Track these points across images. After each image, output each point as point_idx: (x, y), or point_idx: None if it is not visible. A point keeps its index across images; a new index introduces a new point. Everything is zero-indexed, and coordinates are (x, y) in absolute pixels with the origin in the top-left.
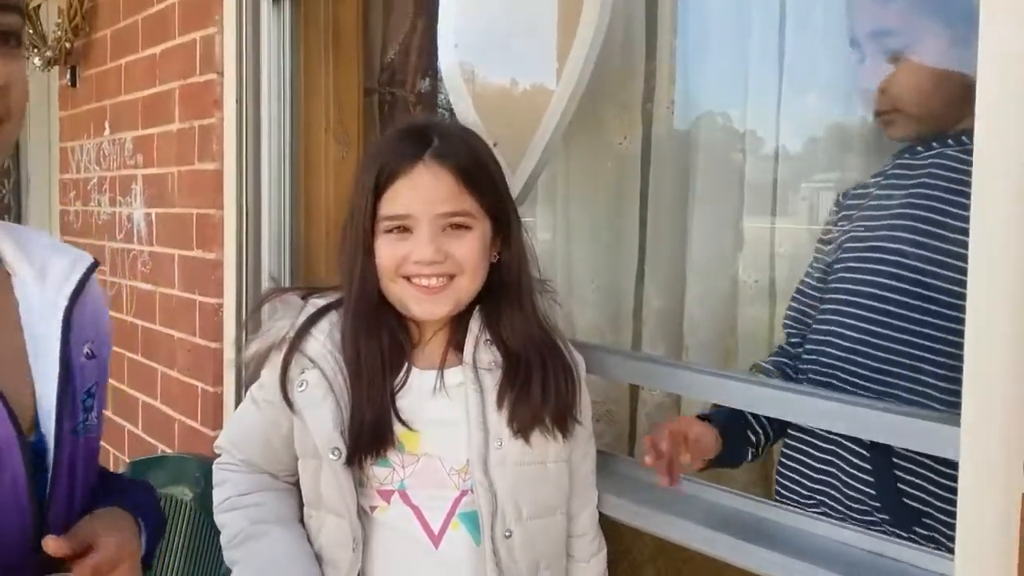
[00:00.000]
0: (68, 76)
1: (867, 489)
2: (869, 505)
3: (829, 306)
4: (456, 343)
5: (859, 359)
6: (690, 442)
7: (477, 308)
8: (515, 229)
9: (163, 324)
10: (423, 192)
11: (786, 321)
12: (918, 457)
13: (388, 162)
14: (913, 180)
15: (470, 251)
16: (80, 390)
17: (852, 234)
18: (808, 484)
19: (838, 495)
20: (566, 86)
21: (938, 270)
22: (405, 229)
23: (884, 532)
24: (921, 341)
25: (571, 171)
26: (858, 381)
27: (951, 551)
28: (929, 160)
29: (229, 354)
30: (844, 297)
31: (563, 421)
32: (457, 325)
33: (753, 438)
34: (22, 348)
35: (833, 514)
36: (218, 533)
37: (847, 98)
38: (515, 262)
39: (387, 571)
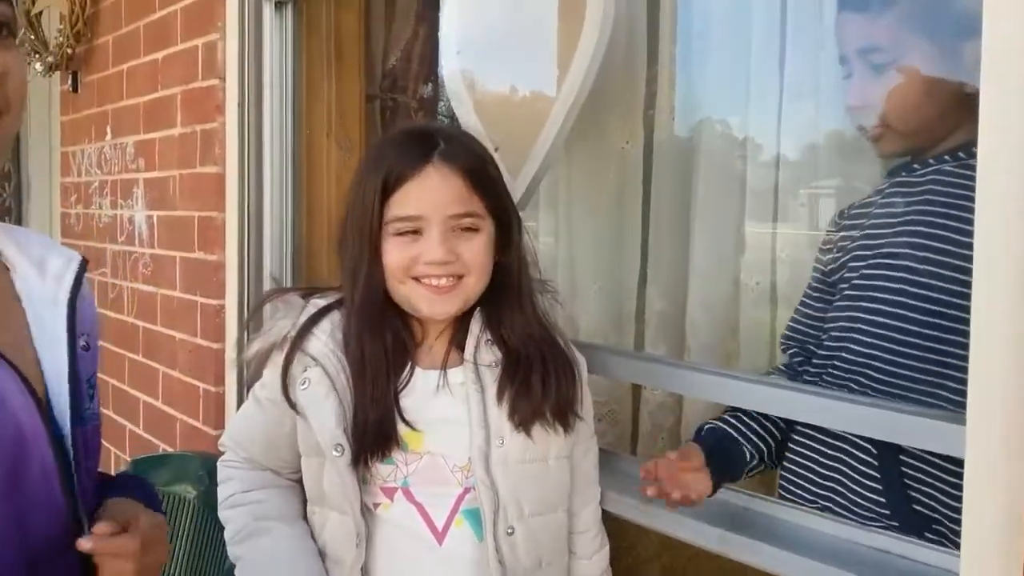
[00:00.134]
0: (70, 81)
1: (875, 496)
2: (877, 512)
3: (842, 314)
4: (458, 343)
5: (874, 369)
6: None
7: (478, 308)
8: (516, 231)
9: (164, 325)
10: (433, 194)
11: (787, 341)
12: (926, 458)
13: (396, 164)
14: (914, 197)
15: (478, 252)
16: (83, 379)
17: (856, 252)
18: (814, 489)
19: (845, 501)
20: (568, 92)
21: (946, 284)
22: (415, 231)
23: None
24: (933, 351)
25: (574, 175)
26: (876, 386)
27: (958, 547)
28: (928, 176)
29: (231, 354)
30: (853, 309)
31: (564, 416)
32: (459, 325)
33: (749, 453)
34: (30, 341)
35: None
36: (221, 530)
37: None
38: (516, 263)
39: (391, 568)
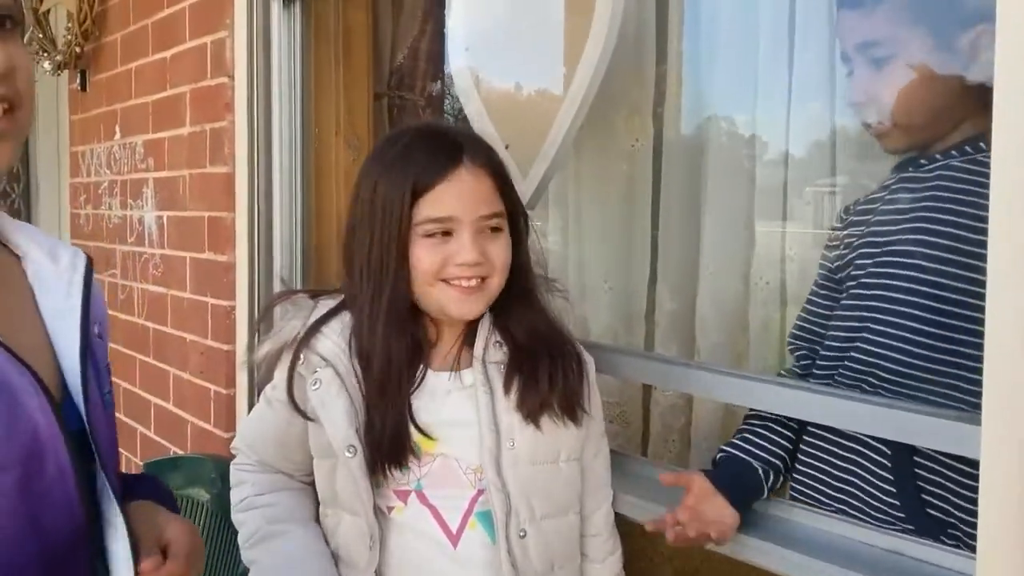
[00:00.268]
0: (78, 80)
1: (889, 498)
2: (891, 514)
3: (850, 313)
4: (468, 343)
5: (884, 369)
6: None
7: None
8: (524, 229)
9: (174, 327)
10: (466, 195)
11: (795, 342)
12: (940, 459)
13: (427, 166)
14: (922, 192)
15: (503, 252)
16: (101, 366)
17: (863, 249)
18: (827, 491)
19: (858, 503)
20: (578, 89)
21: (956, 282)
22: (445, 232)
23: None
24: (945, 350)
25: (583, 174)
26: (887, 386)
27: (973, 550)
28: (936, 172)
29: (242, 356)
30: (862, 307)
31: (572, 409)
32: (469, 325)
33: (765, 471)
34: (42, 330)
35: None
36: (235, 533)
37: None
38: (524, 262)
39: (405, 571)
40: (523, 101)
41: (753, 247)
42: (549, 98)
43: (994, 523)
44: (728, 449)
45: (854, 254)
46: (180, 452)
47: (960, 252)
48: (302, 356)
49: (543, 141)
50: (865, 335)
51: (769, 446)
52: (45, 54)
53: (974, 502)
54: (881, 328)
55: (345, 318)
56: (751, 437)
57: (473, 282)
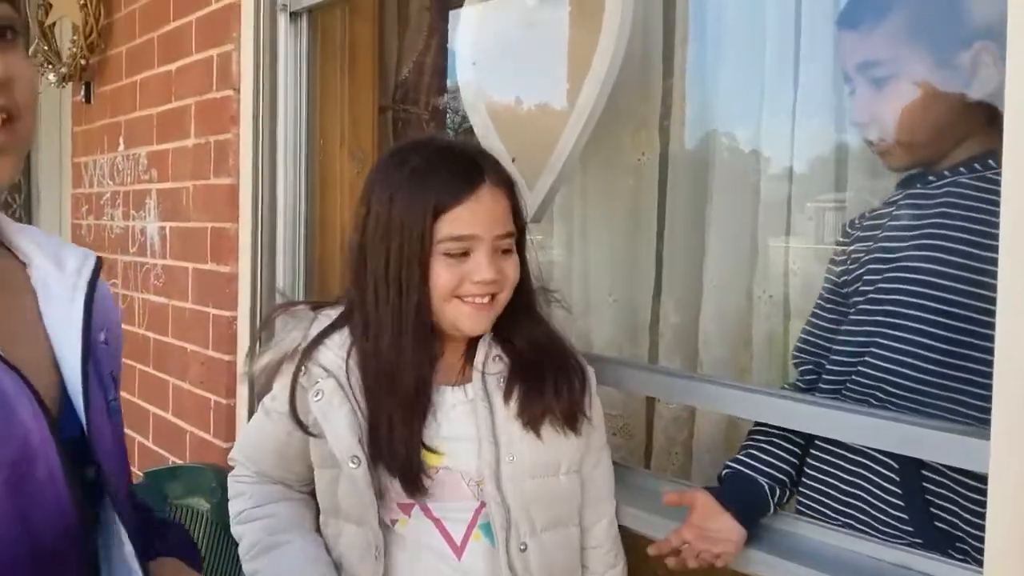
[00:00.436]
0: (82, 92)
1: (897, 512)
2: (899, 528)
3: (858, 328)
4: (468, 357)
5: (892, 384)
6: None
7: None
8: (523, 244)
9: (175, 337)
10: (486, 214)
11: (800, 355)
12: (948, 473)
13: (449, 184)
14: (931, 209)
15: (514, 270)
16: (105, 371)
17: (871, 265)
18: (834, 505)
19: (866, 516)
20: (585, 104)
21: (965, 299)
22: (464, 252)
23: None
24: (953, 366)
25: (589, 187)
26: (894, 401)
27: (981, 564)
28: (944, 189)
29: (243, 366)
30: (871, 323)
31: (572, 418)
32: (471, 340)
33: (770, 488)
34: (44, 337)
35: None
36: (235, 544)
37: None
38: (525, 276)
39: None
40: (530, 115)
41: (757, 261)
42: (556, 112)
43: (1002, 537)
44: (734, 465)
45: (862, 269)
46: (179, 462)
47: (969, 268)
48: (304, 368)
49: (550, 154)
50: (873, 350)
51: (775, 461)
52: (50, 66)
53: (982, 516)
54: (890, 343)
55: (345, 330)
56: (756, 452)
57: (486, 299)
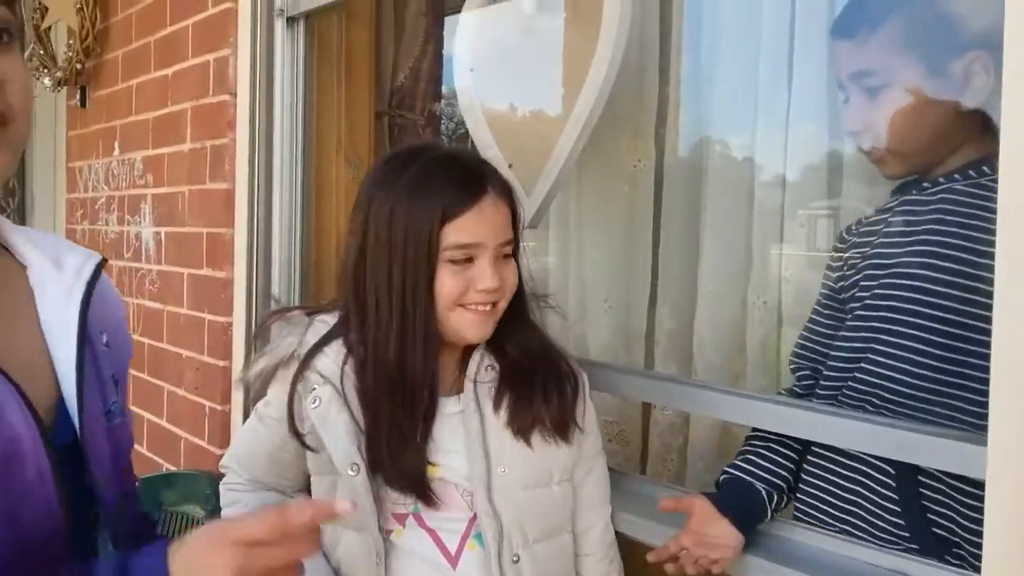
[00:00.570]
0: (78, 96)
1: (893, 518)
2: (896, 534)
3: (855, 334)
4: (463, 367)
5: (888, 390)
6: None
7: None
8: (518, 251)
9: (170, 343)
10: (489, 222)
11: (797, 360)
12: (944, 479)
13: (455, 194)
14: (926, 215)
15: (513, 277)
16: (105, 376)
17: (868, 271)
18: (831, 511)
19: (862, 522)
20: (582, 111)
21: (961, 305)
22: (468, 259)
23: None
24: (949, 372)
25: (585, 193)
26: (891, 407)
27: (978, 570)
28: (939, 195)
29: (238, 372)
30: (867, 328)
31: (563, 426)
32: (465, 349)
33: (768, 493)
34: (40, 338)
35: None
36: None
37: None
38: (519, 283)
39: None
40: (527, 121)
41: (751, 268)
42: (553, 119)
43: (999, 543)
44: (731, 471)
45: (858, 275)
46: (173, 468)
47: (965, 275)
48: (302, 375)
49: (546, 161)
50: (870, 356)
51: (772, 467)
52: (45, 70)
53: (979, 521)
54: (886, 349)
55: (342, 339)
56: (754, 458)
57: (488, 307)
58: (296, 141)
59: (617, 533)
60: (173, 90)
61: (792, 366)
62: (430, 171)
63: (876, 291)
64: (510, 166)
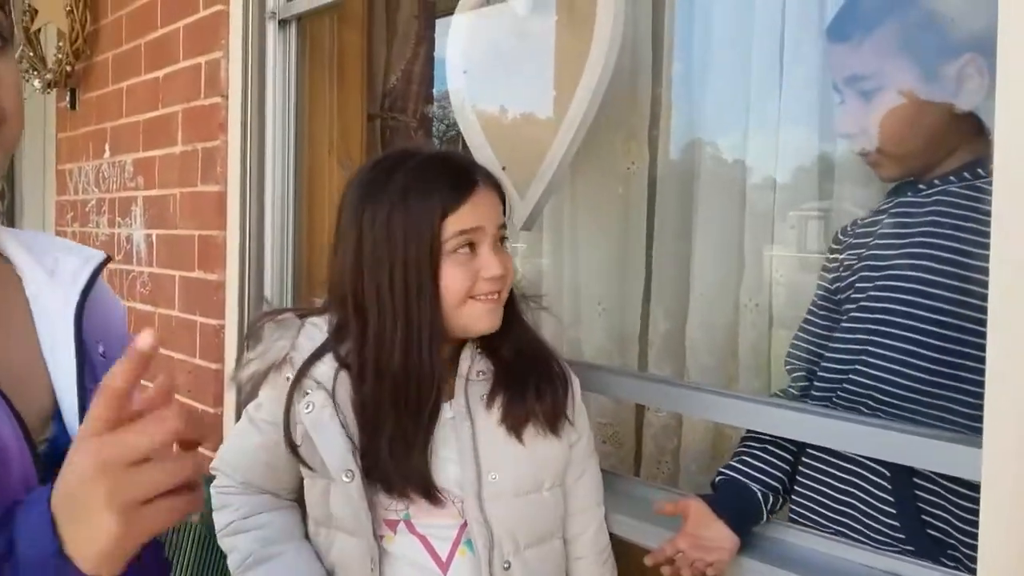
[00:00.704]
0: (67, 99)
1: (889, 520)
2: (891, 536)
3: (850, 335)
4: (452, 370)
5: (883, 392)
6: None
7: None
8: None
9: (163, 345)
10: (486, 208)
11: (793, 361)
12: (940, 481)
13: (451, 187)
14: (921, 217)
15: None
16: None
17: (863, 273)
18: (826, 512)
19: (858, 524)
20: (576, 114)
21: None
22: (471, 246)
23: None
24: (944, 374)
25: (579, 196)
26: (886, 409)
27: (973, 572)
28: (934, 197)
29: (230, 375)
30: (862, 330)
31: (555, 420)
32: (457, 351)
33: (763, 494)
34: (36, 349)
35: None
36: (225, 556)
37: None
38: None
39: None
40: (520, 123)
41: (743, 270)
42: (546, 121)
43: (995, 545)
44: (727, 472)
45: (854, 277)
46: None
47: (960, 277)
48: (299, 383)
49: (540, 163)
50: (865, 358)
51: (768, 468)
52: (35, 72)
53: (974, 523)
54: (881, 351)
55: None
56: (750, 459)
57: (496, 296)
58: (288, 143)
59: (611, 535)
60: (164, 92)
61: (788, 367)
62: (421, 173)
63: (871, 292)
64: (504, 168)
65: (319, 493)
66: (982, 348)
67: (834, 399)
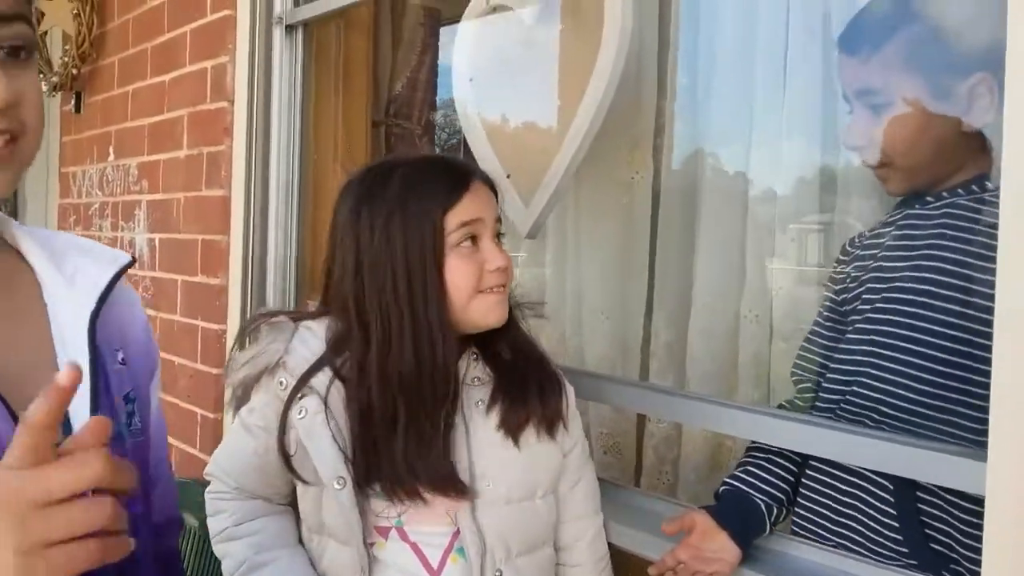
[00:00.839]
0: (73, 102)
1: (892, 533)
2: (894, 549)
3: (855, 347)
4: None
5: (888, 405)
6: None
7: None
8: None
9: (164, 350)
10: (483, 201)
11: (799, 372)
12: (943, 494)
13: (449, 185)
14: (928, 230)
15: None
16: (116, 397)
17: (870, 284)
18: (829, 525)
19: (861, 537)
20: (581, 123)
21: (961, 320)
22: (473, 239)
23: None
24: (949, 388)
25: (583, 205)
26: (890, 422)
27: None
28: (942, 210)
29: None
30: (868, 342)
31: (552, 423)
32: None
33: (767, 506)
34: (49, 350)
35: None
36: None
37: None
38: None
39: None
40: (526, 132)
41: (744, 281)
42: (552, 130)
43: (998, 559)
44: (731, 482)
45: (860, 288)
46: None
47: (966, 290)
48: (300, 394)
49: (545, 172)
50: (869, 370)
51: (772, 479)
52: (41, 76)
53: (977, 537)
54: (886, 363)
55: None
56: (754, 470)
57: (502, 288)
58: (293, 149)
59: (611, 545)
60: (170, 96)
61: (794, 378)
62: (416, 176)
63: (877, 304)
64: (508, 177)
65: (312, 500)
66: (987, 361)
67: (838, 411)
